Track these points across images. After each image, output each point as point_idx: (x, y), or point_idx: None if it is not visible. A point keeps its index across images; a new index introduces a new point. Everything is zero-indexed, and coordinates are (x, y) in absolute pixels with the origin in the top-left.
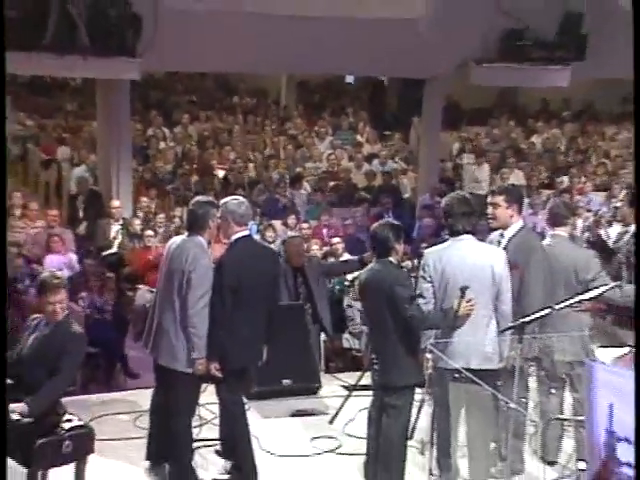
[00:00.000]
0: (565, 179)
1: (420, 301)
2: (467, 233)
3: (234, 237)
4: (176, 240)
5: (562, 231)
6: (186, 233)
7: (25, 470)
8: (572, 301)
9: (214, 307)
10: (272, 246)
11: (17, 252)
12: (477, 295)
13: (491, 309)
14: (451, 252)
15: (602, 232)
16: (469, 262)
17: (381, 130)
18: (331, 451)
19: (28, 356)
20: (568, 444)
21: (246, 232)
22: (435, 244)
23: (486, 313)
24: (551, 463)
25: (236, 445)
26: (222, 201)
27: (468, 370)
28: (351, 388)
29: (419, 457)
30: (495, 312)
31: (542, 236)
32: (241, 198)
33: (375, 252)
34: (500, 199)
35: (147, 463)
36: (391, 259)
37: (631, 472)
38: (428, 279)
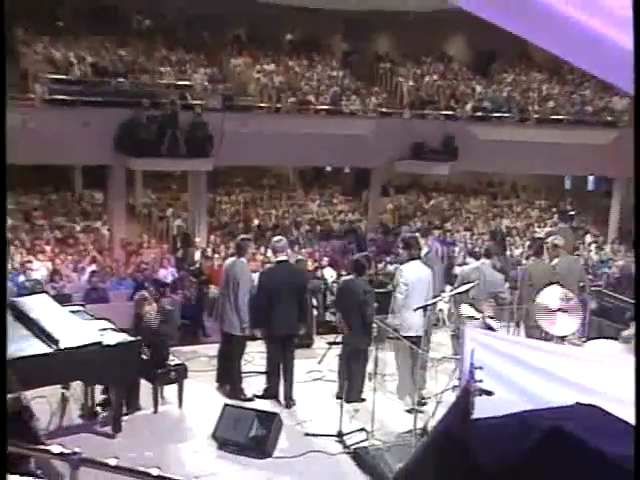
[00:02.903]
0: (449, 224)
1: (400, 295)
2: (419, 258)
3: (276, 260)
4: (230, 260)
5: (486, 260)
6: (236, 256)
7: (151, 385)
8: (453, 292)
9: (258, 300)
10: None
11: (145, 267)
12: (424, 292)
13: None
14: (414, 268)
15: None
16: (421, 275)
17: (347, 197)
18: (319, 379)
19: (147, 324)
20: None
21: (284, 257)
22: (380, 262)
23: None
24: None
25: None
26: (272, 239)
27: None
28: (331, 343)
29: (368, 382)
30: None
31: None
32: (281, 237)
33: (355, 270)
34: (418, 235)
35: (216, 384)
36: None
37: (482, 385)
38: (404, 281)
